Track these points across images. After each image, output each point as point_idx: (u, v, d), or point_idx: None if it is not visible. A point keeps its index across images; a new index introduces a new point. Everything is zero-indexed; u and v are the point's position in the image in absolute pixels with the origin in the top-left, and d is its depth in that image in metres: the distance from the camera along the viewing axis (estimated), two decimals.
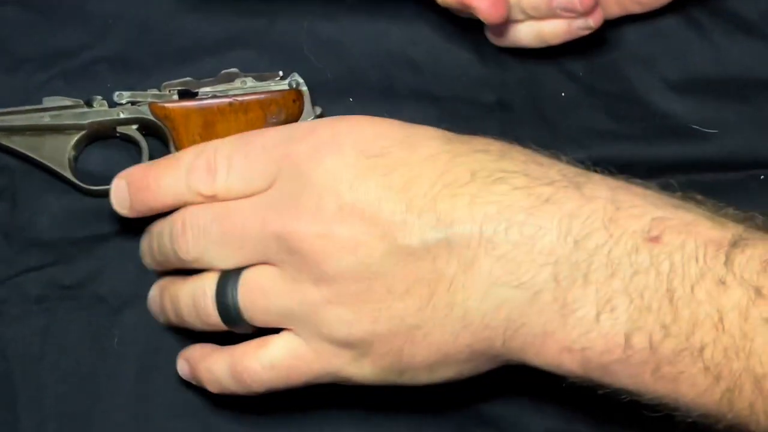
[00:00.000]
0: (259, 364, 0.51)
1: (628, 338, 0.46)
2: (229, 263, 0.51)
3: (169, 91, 0.61)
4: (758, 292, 0.45)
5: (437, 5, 0.61)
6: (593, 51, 0.64)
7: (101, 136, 0.62)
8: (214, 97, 0.61)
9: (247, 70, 0.62)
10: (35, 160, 0.61)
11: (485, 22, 0.60)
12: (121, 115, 0.61)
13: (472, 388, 0.57)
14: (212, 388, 0.54)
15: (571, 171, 0.49)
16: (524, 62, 0.64)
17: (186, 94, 0.61)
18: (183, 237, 0.52)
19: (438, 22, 0.65)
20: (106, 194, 0.57)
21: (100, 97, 0.61)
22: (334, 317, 0.49)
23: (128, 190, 0.55)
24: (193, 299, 0.53)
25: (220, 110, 0.60)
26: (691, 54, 0.64)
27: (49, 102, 0.61)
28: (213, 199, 0.52)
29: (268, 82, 0.61)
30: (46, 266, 0.60)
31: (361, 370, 0.50)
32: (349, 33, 0.65)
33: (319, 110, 0.61)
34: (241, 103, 0.60)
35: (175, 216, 0.53)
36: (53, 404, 0.58)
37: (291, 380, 0.51)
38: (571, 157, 0.51)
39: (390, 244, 0.48)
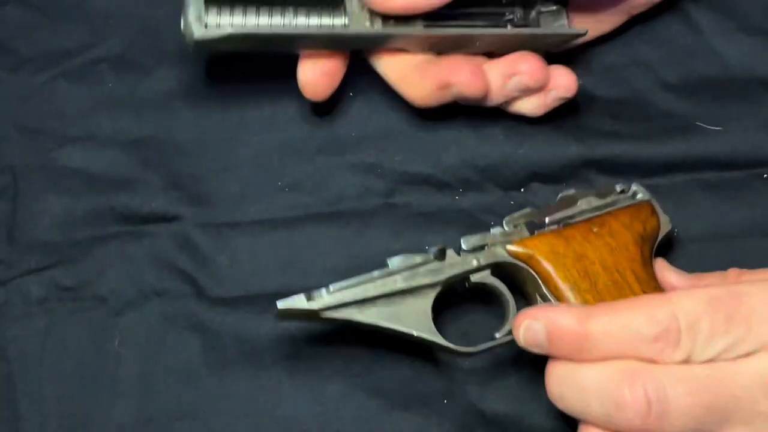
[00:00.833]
0: None
1: None
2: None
3: (515, 226, 0.55)
4: None
5: None
6: (592, 53, 0.64)
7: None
8: (567, 224, 0.55)
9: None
10: (394, 330, 0.53)
11: (470, 96, 0.59)
12: (477, 263, 0.54)
13: (476, 387, 0.57)
14: None
15: None
16: None
17: (534, 226, 0.55)
18: (640, 412, 0.46)
19: None
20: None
21: (440, 247, 0.54)
22: None
23: (547, 339, 0.48)
24: None
25: (584, 237, 0.55)
26: (692, 54, 0.64)
27: (395, 262, 0.54)
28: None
29: (611, 197, 0.57)
30: (47, 267, 0.60)
31: None
32: None
33: (667, 219, 0.57)
34: (602, 224, 0.55)
35: (618, 381, 0.47)
36: (54, 405, 0.58)
37: None
38: None
39: None
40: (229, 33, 0.55)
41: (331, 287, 0.53)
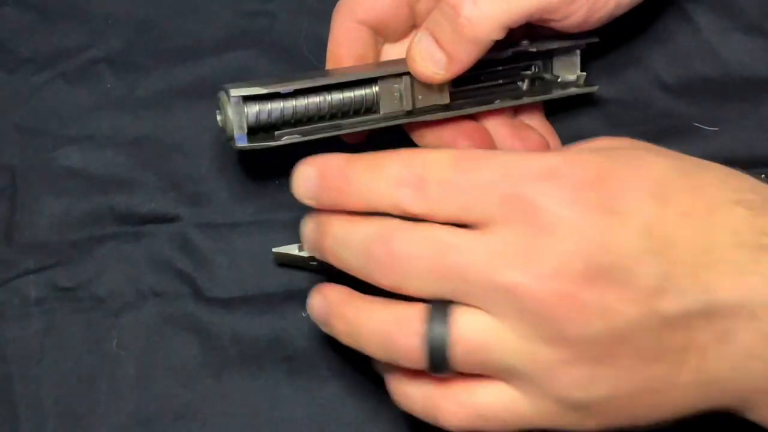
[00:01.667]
0: (462, 409, 0.48)
1: None
2: (434, 297, 0.47)
3: None
4: None
5: None
6: (592, 54, 0.64)
7: None
8: None
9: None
10: None
11: None
12: None
13: None
14: (401, 404, 0.51)
15: None
16: None
17: None
18: (386, 263, 0.47)
19: None
20: None
21: None
22: (570, 379, 0.46)
23: (317, 182, 0.49)
24: (390, 332, 0.48)
25: None
26: (691, 54, 0.64)
27: None
28: (414, 217, 0.47)
29: None
30: (45, 268, 0.60)
31: (582, 429, 0.47)
32: None
33: None
34: None
35: (374, 236, 0.48)
36: (53, 406, 0.58)
37: (494, 431, 0.48)
38: None
39: (645, 310, 0.45)
40: (274, 146, 0.55)
41: None
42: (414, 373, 0.49)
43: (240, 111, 0.53)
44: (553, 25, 0.56)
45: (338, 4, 0.58)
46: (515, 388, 0.47)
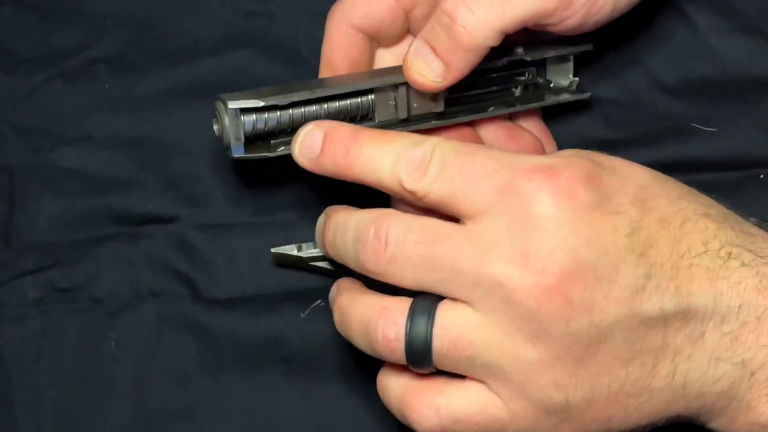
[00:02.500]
0: (435, 411, 0.48)
1: None
2: (420, 288, 0.48)
3: None
4: None
5: None
6: (591, 55, 0.64)
7: None
8: None
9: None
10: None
11: None
12: None
13: None
14: (381, 397, 0.51)
15: None
16: None
17: None
18: (376, 250, 0.48)
19: None
20: None
21: None
22: (550, 380, 0.46)
23: (322, 143, 0.51)
24: (372, 322, 0.48)
25: None
26: (689, 54, 0.64)
27: None
28: (411, 196, 0.48)
29: None
30: (43, 269, 0.60)
31: None
32: None
33: None
34: None
35: (369, 221, 0.49)
36: (51, 406, 0.58)
37: None
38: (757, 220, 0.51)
39: (626, 310, 0.46)
40: (270, 156, 0.55)
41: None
42: (399, 368, 0.50)
43: (237, 122, 0.53)
44: (549, 29, 0.56)
45: (332, 9, 0.58)
46: (492, 390, 0.47)
